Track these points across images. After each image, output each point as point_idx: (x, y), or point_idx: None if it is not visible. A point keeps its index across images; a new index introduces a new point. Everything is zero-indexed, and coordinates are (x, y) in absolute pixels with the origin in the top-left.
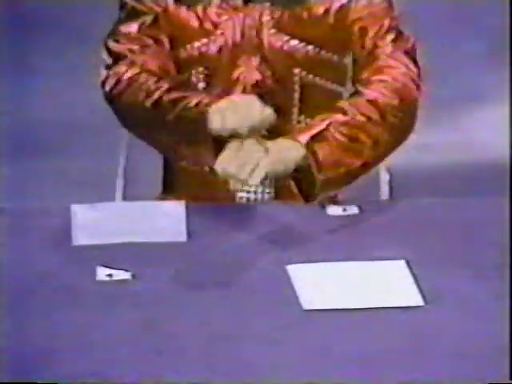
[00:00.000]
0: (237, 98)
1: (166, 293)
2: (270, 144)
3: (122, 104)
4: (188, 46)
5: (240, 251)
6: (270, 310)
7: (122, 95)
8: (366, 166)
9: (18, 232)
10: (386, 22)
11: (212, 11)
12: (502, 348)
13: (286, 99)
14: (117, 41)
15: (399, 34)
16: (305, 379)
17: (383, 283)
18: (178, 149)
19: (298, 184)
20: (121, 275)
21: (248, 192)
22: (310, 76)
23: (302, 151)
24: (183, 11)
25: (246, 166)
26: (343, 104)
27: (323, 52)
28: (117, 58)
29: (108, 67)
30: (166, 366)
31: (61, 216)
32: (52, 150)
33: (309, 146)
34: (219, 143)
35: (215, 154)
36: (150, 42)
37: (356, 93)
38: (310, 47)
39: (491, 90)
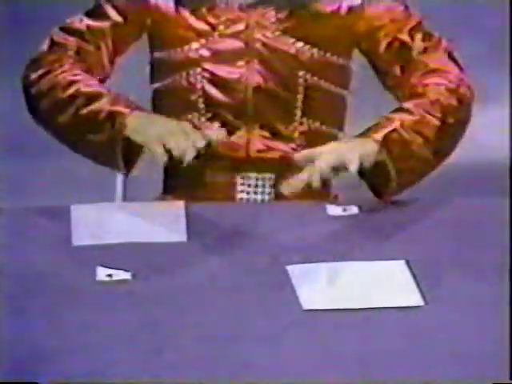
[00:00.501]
0: (159, 116)
1: (166, 293)
2: (347, 141)
3: (38, 89)
4: (186, 47)
5: (240, 251)
6: (269, 310)
7: (39, 81)
8: (433, 166)
9: (18, 232)
10: (412, 27)
11: (213, 12)
12: (501, 348)
13: (289, 101)
14: (63, 30)
15: (431, 37)
16: (305, 379)
17: (383, 283)
18: (82, 144)
19: (371, 182)
20: (121, 275)
21: (248, 193)
22: (315, 78)
23: (377, 146)
24: (183, 12)
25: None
26: (409, 105)
27: (328, 54)
28: (51, 45)
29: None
30: (166, 366)
31: (61, 216)
32: (52, 150)
33: (383, 143)
34: (128, 149)
35: (124, 159)
36: (89, 47)
37: (416, 95)
38: (315, 50)
39: (491, 90)
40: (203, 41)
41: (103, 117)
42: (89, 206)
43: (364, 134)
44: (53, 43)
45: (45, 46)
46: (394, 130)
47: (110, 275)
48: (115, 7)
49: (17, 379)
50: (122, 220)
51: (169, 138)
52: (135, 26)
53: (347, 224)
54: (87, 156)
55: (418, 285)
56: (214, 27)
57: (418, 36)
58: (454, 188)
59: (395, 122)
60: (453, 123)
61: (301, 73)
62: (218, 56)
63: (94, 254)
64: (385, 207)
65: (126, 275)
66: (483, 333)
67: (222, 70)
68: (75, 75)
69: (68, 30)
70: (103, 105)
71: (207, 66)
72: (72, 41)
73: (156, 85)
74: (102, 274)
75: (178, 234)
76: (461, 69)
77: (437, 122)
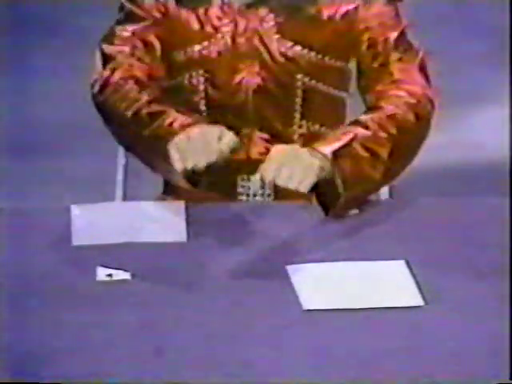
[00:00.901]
0: (195, 131)
1: (166, 293)
2: (295, 151)
3: (106, 109)
4: (188, 49)
5: (240, 251)
6: (270, 310)
7: (107, 101)
8: (384, 182)
9: (18, 232)
10: (396, 34)
11: (213, 14)
12: (501, 348)
13: (288, 104)
14: (110, 42)
15: (410, 48)
16: (305, 379)
17: (383, 283)
18: (151, 162)
19: (319, 197)
20: (121, 275)
21: (248, 195)
22: (313, 81)
23: (325, 163)
24: (184, 13)
25: (294, 176)
26: (365, 118)
27: (326, 58)
28: (106, 59)
29: (99, 69)
30: (166, 366)
31: (61, 216)
32: (52, 150)
33: (333, 160)
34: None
35: (182, 176)
36: (140, 44)
37: (375, 107)
38: (313, 53)
39: (491, 90)
40: (205, 43)
41: (162, 140)
42: (89, 205)
43: (316, 146)
44: (105, 55)
45: (98, 62)
46: (346, 145)
47: (110, 275)
48: (139, 7)
49: (17, 379)
50: (122, 220)
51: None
52: (161, 24)
53: (347, 224)
54: (157, 172)
55: (417, 285)
56: (215, 30)
57: (398, 44)
58: (454, 188)
59: (350, 135)
60: (407, 140)
61: (299, 76)
62: (219, 58)
63: (94, 254)
64: (385, 207)
65: (126, 275)
66: (483, 333)
67: (223, 73)
68: (139, 93)
69: (115, 40)
70: (162, 125)
71: (209, 68)
72: (126, 48)
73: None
74: (101, 273)
75: (178, 234)
76: (428, 82)
77: (389, 140)
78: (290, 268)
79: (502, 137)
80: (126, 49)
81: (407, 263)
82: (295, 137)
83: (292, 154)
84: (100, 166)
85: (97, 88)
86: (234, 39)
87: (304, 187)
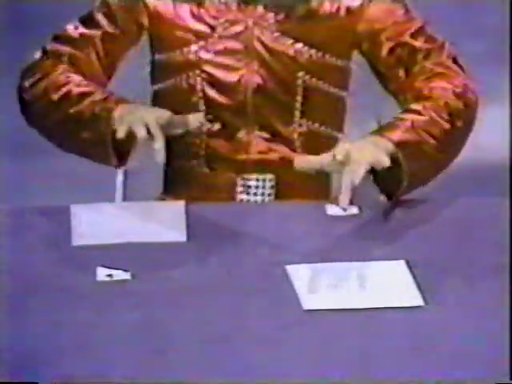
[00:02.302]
0: (132, 105)
1: (166, 293)
2: (364, 140)
3: (31, 95)
4: (185, 49)
5: (240, 251)
6: (270, 310)
7: (34, 86)
8: (442, 167)
9: (18, 232)
10: (414, 30)
11: (210, 13)
12: (501, 348)
13: (288, 102)
14: (56, 39)
15: (434, 39)
16: (305, 379)
17: (383, 283)
18: (76, 142)
19: (382, 182)
20: (121, 275)
21: (248, 194)
22: (314, 79)
23: (392, 146)
24: (182, 15)
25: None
26: (417, 106)
27: (327, 56)
28: (44, 54)
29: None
30: (166, 366)
31: (61, 216)
32: (52, 150)
33: (398, 143)
34: (120, 142)
35: (115, 154)
36: (81, 54)
37: (423, 97)
38: (314, 51)
39: (491, 89)
40: (202, 43)
41: (93, 114)
42: (89, 205)
43: (377, 133)
44: (45, 52)
45: (37, 55)
46: (407, 130)
47: (110, 275)
48: (106, 16)
49: (17, 379)
50: (122, 220)
51: (128, 116)
52: (129, 33)
53: (347, 224)
54: (81, 154)
55: (418, 285)
56: (212, 29)
57: (421, 39)
58: (453, 188)
59: (407, 122)
60: (460, 126)
61: (299, 74)
62: (217, 58)
63: (94, 254)
64: (385, 207)
65: (126, 275)
66: (483, 333)
67: (222, 72)
68: (68, 77)
69: (61, 39)
70: (93, 102)
71: (207, 67)
72: (65, 49)
73: (156, 86)
74: (101, 274)
75: (178, 234)
76: (464, 73)
77: (446, 125)
78: (289, 268)
79: (502, 137)
80: (66, 50)
81: (407, 263)
82: (295, 135)
83: (360, 140)
84: (100, 166)
85: (27, 75)
86: (231, 38)
87: (377, 161)
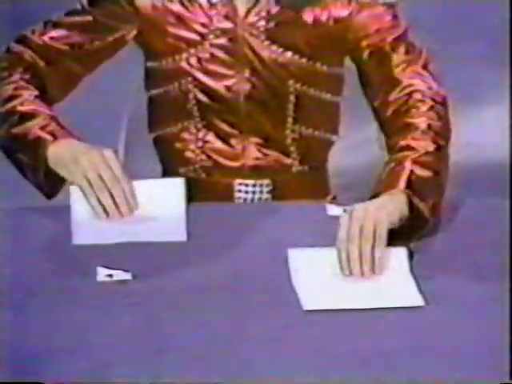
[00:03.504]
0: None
1: (166, 293)
2: (376, 201)
3: None
4: (176, 57)
5: (240, 251)
6: (269, 310)
7: None
8: (445, 186)
9: (17, 232)
10: (396, 37)
11: (200, 21)
12: (501, 348)
13: (281, 109)
14: (20, 41)
15: (413, 47)
16: (305, 379)
17: (383, 283)
18: (13, 161)
19: (410, 230)
20: (121, 275)
21: (245, 200)
22: (305, 87)
23: (404, 196)
24: (173, 22)
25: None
26: (407, 142)
27: (318, 64)
28: (7, 53)
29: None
30: (166, 366)
31: (61, 216)
32: None
33: (408, 189)
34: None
35: (48, 184)
36: (42, 63)
37: (405, 125)
38: (304, 59)
39: (491, 89)
40: (193, 50)
41: (30, 140)
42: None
43: (382, 187)
44: (8, 51)
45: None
46: (411, 173)
47: (110, 275)
48: (83, 25)
49: (17, 379)
50: (122, 220)
51: (81, 157)
52: (104, 45)
53: None
54: (20, 172)
55: (417, 285)
56: (203, 37)
57: (400, 48)
58: (453, 188)
59: (405, 163)
60: (444, 144)
61: (290, 82)
62: (208, 65)
63: (94, 254)
64: None
65: (126, 275)
66: (483, 333)
67: (213, 80)
68: (16, 89)
69: (25, 41)
70: (33, 127)
71: (198, 75)
72: (27, 56)
73: (151, 92)
74: (102, 274)
75: (178, 234)
76: (436, 80)
77: (435, 151)
78: (289, 267)
79: (501, 137)
80: (27, 56)
81: (407, 263)
82: (288, 141)
83: (378, 203)
84: None
85: None
86: (222, 46)
87: (394, 218)
